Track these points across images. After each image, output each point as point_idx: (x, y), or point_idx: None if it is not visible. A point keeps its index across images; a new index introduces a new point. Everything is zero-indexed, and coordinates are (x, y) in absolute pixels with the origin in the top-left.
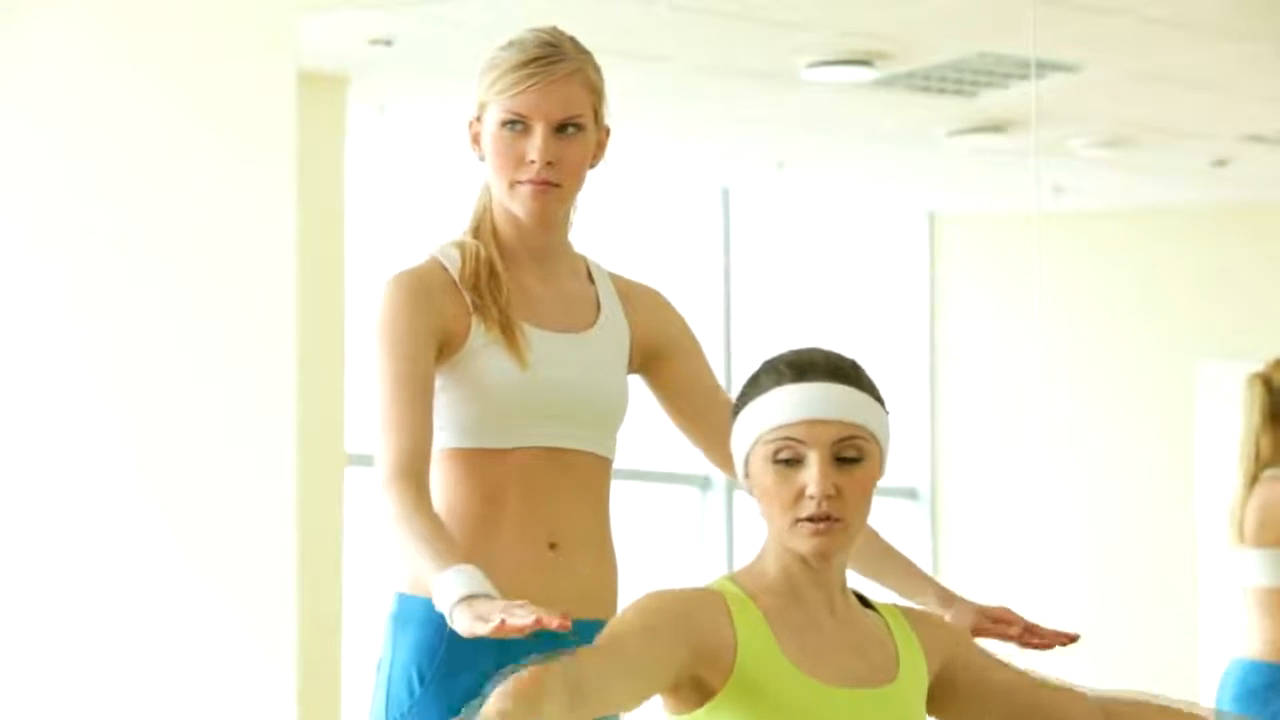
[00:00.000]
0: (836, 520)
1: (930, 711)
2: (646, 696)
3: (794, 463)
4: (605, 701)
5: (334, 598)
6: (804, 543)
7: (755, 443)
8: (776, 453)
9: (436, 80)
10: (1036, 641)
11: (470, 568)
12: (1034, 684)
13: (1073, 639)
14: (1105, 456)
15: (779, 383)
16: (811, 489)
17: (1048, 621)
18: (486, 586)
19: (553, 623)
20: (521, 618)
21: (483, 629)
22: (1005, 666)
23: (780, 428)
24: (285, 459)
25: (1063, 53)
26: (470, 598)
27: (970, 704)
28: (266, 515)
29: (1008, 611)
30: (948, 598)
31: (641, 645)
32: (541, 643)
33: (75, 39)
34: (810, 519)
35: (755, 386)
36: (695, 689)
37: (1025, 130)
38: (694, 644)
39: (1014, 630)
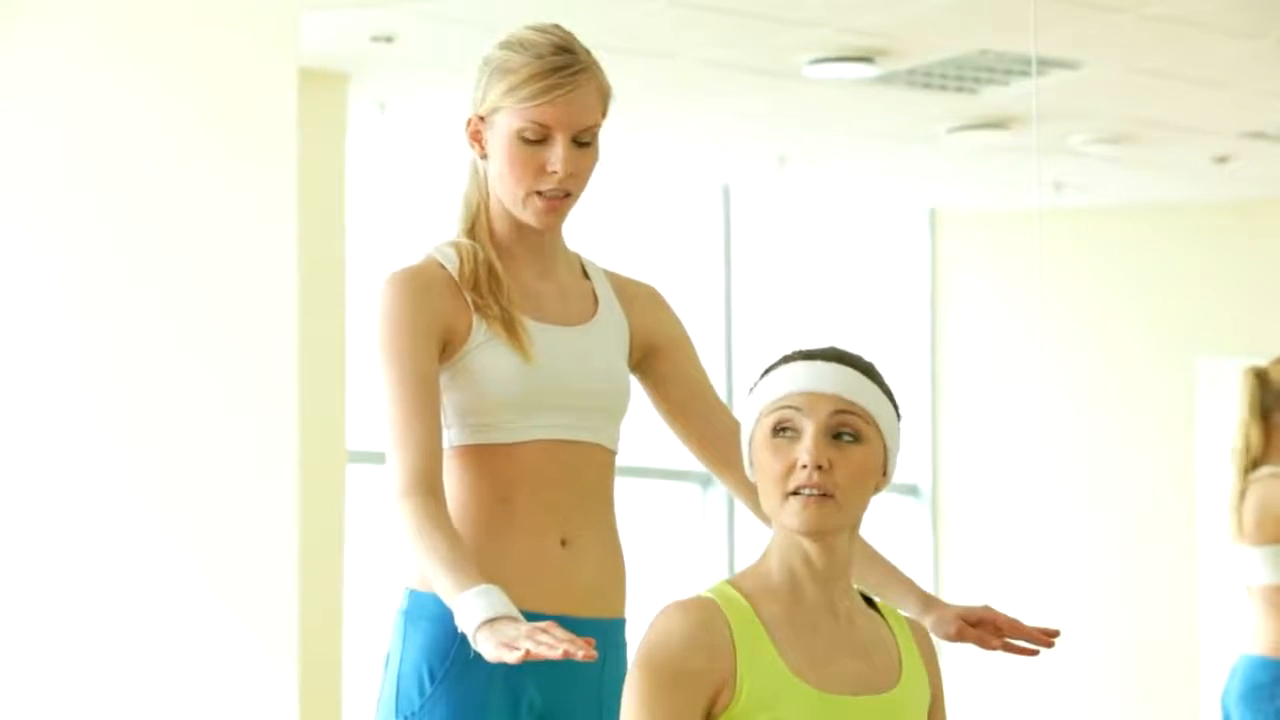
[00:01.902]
0: (827, 496)
1: None
2: None
3: (792, 438)
4: None
5: (335, 594)
6: (794, 518)
7: (758, 421)
8: (775, 425)
9: (437, 77)
10: (1021, 647)
11: (490, 588)
12: None
13: (1055, 634)
14: (1106, 453)
15: (784, 363)
16: (804, 458)
17: (1033, 618)
18: (508, 607)
19: (578, 654)
20: (549, 647)
21: (510, 658)
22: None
23: (780, 398)
24: (287, 456)
25: (1064, 50)
26: (493, 620)
27: None
28: (268, 512)
29: (989, 610)
30: (928, 602)
31: None
32: None
33: (77, 36)
34: (799, 491)
35: (761, 374)
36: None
37: (1026, 127)
38: (702, 692)
39: (996, 642)
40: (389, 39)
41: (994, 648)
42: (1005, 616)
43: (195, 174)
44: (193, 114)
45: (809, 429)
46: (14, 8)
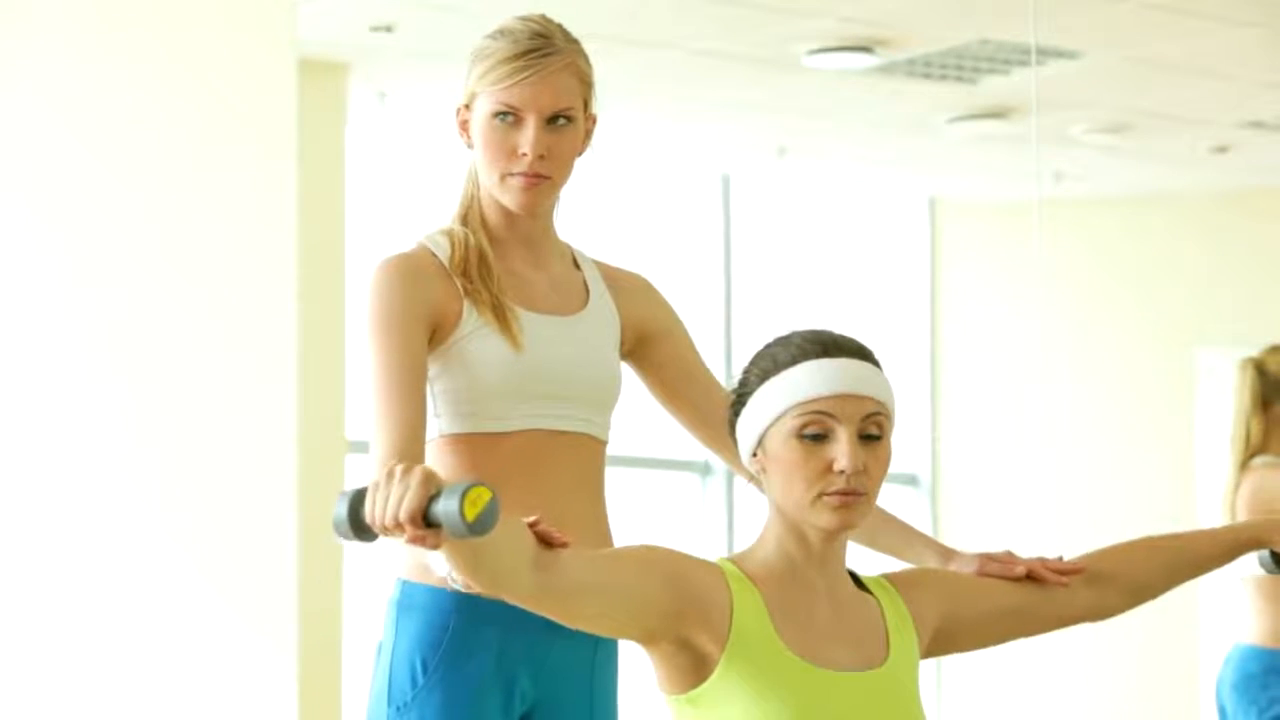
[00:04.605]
0: (861, 494)
1: (942, 652)
2: (612, 627)
3: (820, 438)
4: (565, 598)
5: (335, 585)
6: (828, 516)
7: (779, 417)
8: (803, 427)
9: (437, 67)
10: (1043, 576)
11: None
12: (1021, 587)
13: (1079, 571)
14: (1105, 442)
15: (804, 358)
16: (843, 464)
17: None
18: None
19: (552, 533)
20: None
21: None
22: (992, 584)
23: (810, 401)
24: (286, 446)
25: (1063, 39)
26: None
27: (977, 633)
28: (267, 502)
29: (1011, 555)
30: (947, 554)
31: (628, 574)
32: (547, 635)
33: (75, 29)
34: (838, 492)
35: (772, 363)
36: (689, 658)
37: (1026, 117)
38: (686, 599)
39: (1021, 568)
40: (388, 29)
41: (1020, 573)
42: (1027, 560)
43: (195, 165)
44: (192, 105)
45: (843, 434)
46: (11, 1)
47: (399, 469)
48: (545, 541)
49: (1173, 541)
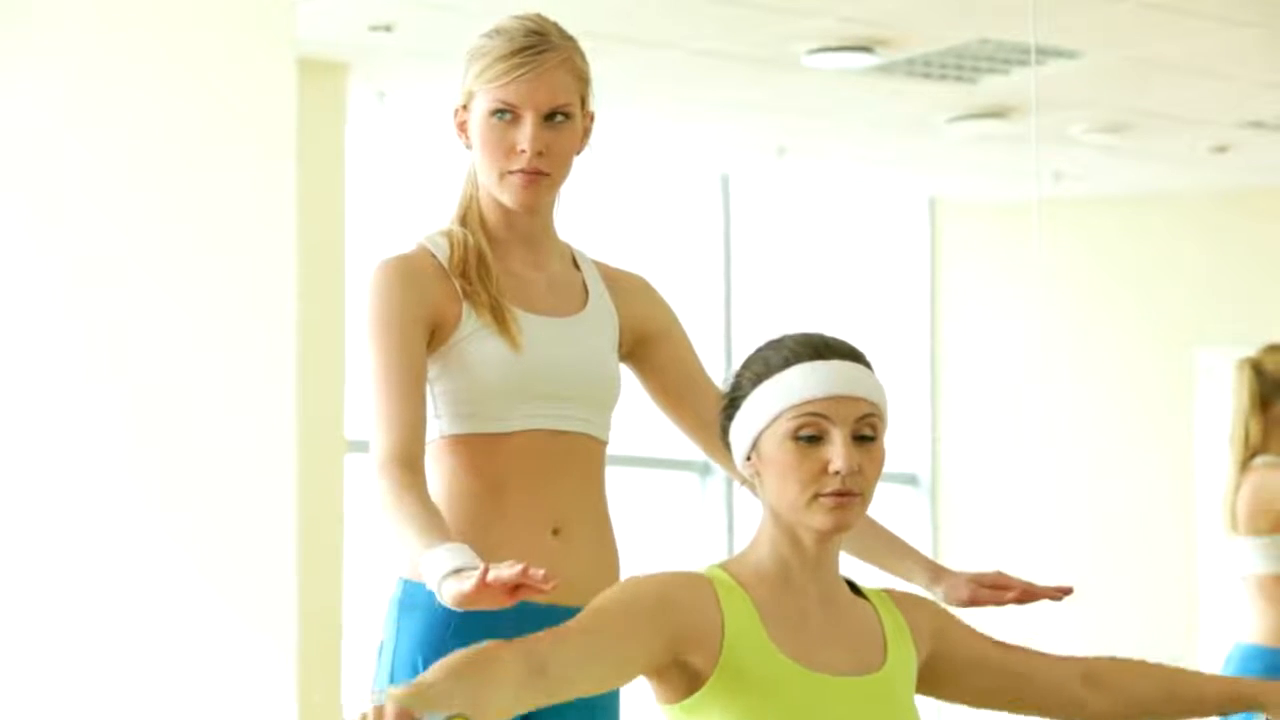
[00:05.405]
0: (856, 495)
1: (925, 691)
2: (618, 683)
3: (815, 440)
4: (569, 684)
5: (334, 583)
6: (823, 518)
7: (773, 420)
8: (798, 429)
9: (436, 66)
10: (1034, 595)
11: (460, 545)
12: (1017, 652)
13: (1068, 591)
14: (1105, 442)
15: (797, 361)
16: (838, 465)
17: (1033, 606)
18: (476, 561)
19: (538, 574)
20: (509, 569)
21: (469, 584)
22: (989, 639)
23: (804, 404)
24: (285, 446)
25: (1063, 39)
26: (460, 571)
27: (963, 680)
28: (267, 502)
29: (1002, 576)
30: (937, 572)
31: (615, 632)
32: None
33: (75, 29)
34: (833, 493)
35: (765, 367)
36: (683, 674)
37: (1026, 116)
38: (675, 629)
39: (1010, 595)
40: (388, 28)
41: (1008, 602)
42: (1018, 580)
43: (195, 164)
44: (192, 104)
45: (838, 436)
46: (11, 2)
47: (370, 714)
48: (531, 591)
49: (1172, 671)
